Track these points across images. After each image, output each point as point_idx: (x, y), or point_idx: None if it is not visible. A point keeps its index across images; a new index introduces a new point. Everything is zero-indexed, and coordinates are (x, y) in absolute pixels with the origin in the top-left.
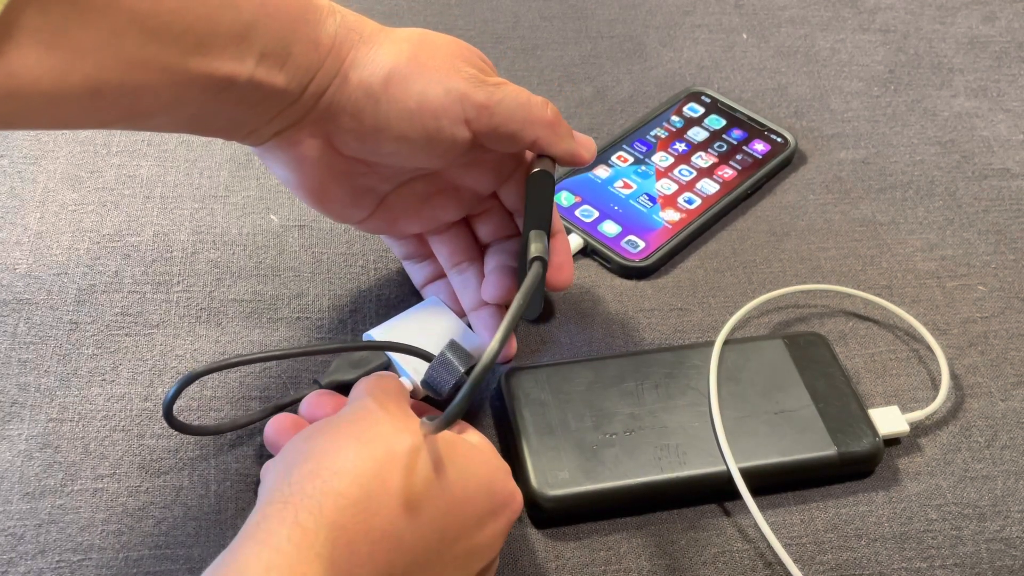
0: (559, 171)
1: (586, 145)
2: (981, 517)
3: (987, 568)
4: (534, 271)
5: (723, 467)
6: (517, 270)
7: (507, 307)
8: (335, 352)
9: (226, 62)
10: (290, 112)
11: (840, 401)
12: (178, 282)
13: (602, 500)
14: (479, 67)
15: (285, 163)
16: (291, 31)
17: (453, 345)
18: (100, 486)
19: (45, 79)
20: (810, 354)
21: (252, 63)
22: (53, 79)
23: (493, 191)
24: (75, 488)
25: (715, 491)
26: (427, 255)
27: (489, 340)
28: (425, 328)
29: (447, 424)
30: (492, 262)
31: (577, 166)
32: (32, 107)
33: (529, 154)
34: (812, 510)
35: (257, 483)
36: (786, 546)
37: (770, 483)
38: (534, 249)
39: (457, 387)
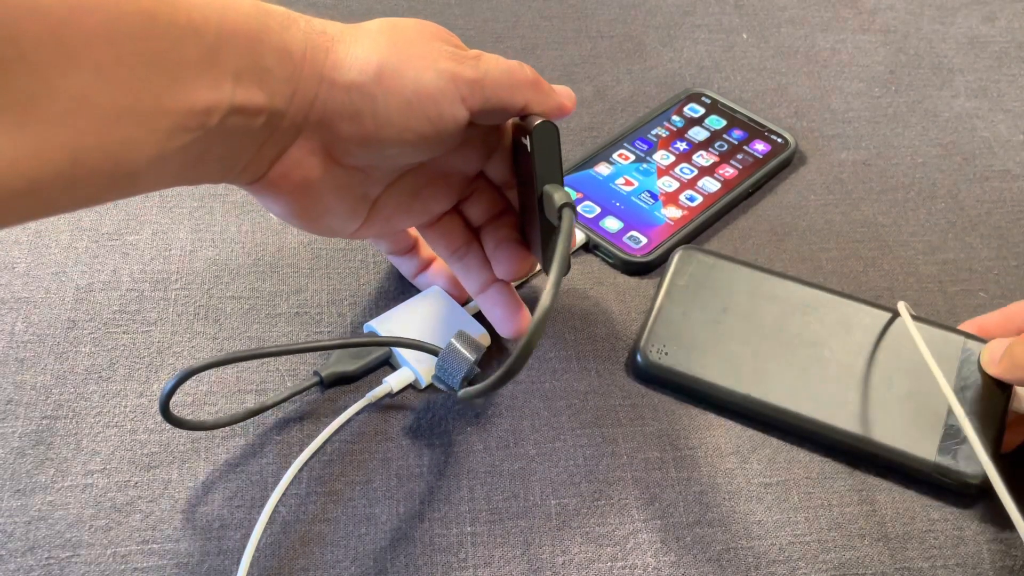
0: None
1: (566, 95)
2: (982, 518)
3: (988, 568)
4: (567, 218)
5: (827, 419)
6: (522, 242)
7: (514, 281)
8: (337, 348)
9: (202, 92)
10: (281, 132)
11: (978, 425)
12: (176, 280)
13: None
14: (452, 43)
15: (287, 193)
16: (258, 44)
17: (461, 335)
18: (90, 481)
19: (22, 161)
20: (980, 372)
21: (229, 87)
22: (30, 159)
23: (480, 170)
24: (65, 484)
25: (807, 437)
26: (412, 247)
27: (503, 318)
28: (426, 317)
29: (491, 389)
30: (492, 240)
31: (563, 117)
32: (10, 197)
33: (506, 124)
34: (816, 509)
35: (246, 474)
36: (789, 544)
37: (855, 453)
38: (558, 198)
39: (467, 378)
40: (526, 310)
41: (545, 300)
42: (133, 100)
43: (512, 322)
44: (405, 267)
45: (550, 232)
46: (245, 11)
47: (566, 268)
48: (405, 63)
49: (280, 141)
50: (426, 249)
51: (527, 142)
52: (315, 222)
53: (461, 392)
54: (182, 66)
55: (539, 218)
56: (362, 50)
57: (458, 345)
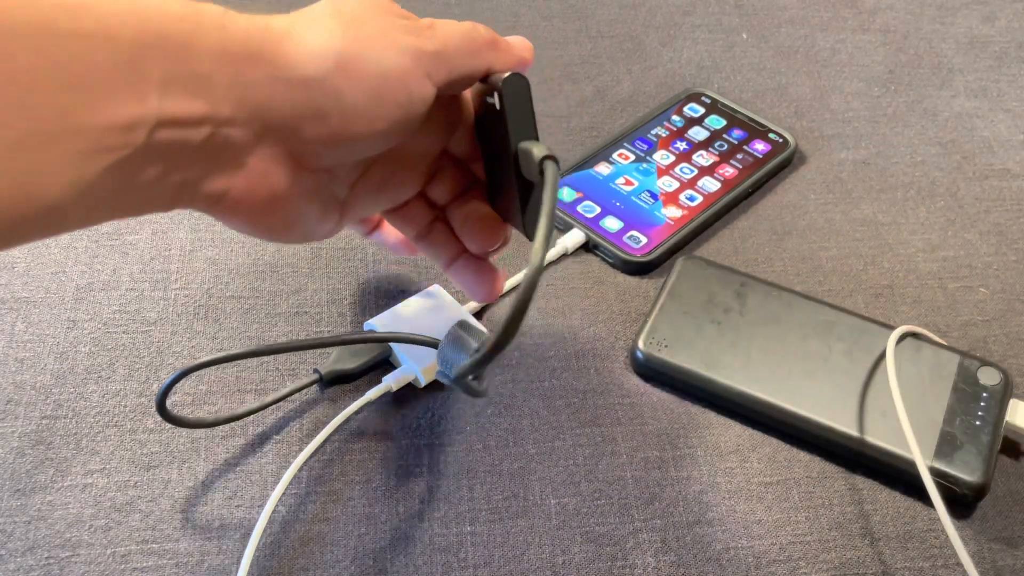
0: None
1: (524, 47)
2: (984, 518)
3: (989, 568)
4: (551, 170)
5: (820, 418)
6: (493, 213)
7: (485, 256)
8: (336, 344)
9: (121, 106)
10: (235, 143)
11: (973, 432)
12: (176, 279)
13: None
14: (402, 14)
15: (255, 209)
16: (188, 48)
17: (462, 324)
18: (89, 481)
19: None
20: (976, 385)
21: (155, 98)
22: None
23: (444, 147)
24: (65, 484)
25: (801, 435)
26: (376, 219)
27: (476, 283)
28: (426, 315)
29: (484, 362)
30: (460, 216)
31: (525, 69)
32: None
33: (465, 93)
34: (816, 508)
35: (246, 474)
36: (789, 544)
37: (852, 456)
38: (538, 152)
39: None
40: (501, 273)
41: (535, 257)
42: (34, 121)
43: (488, 285)
44: (358, 229)
45: (529, 191)
46: (170, 13)
47: (553, 224)
48: (364, 47)
49: (236, 153)
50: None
51: (495, 101)
52: (288, 233)
53: (453, 372)
54: (93, 79)
55: (515, 180)
56: (315, 40)
57: (458, 333)
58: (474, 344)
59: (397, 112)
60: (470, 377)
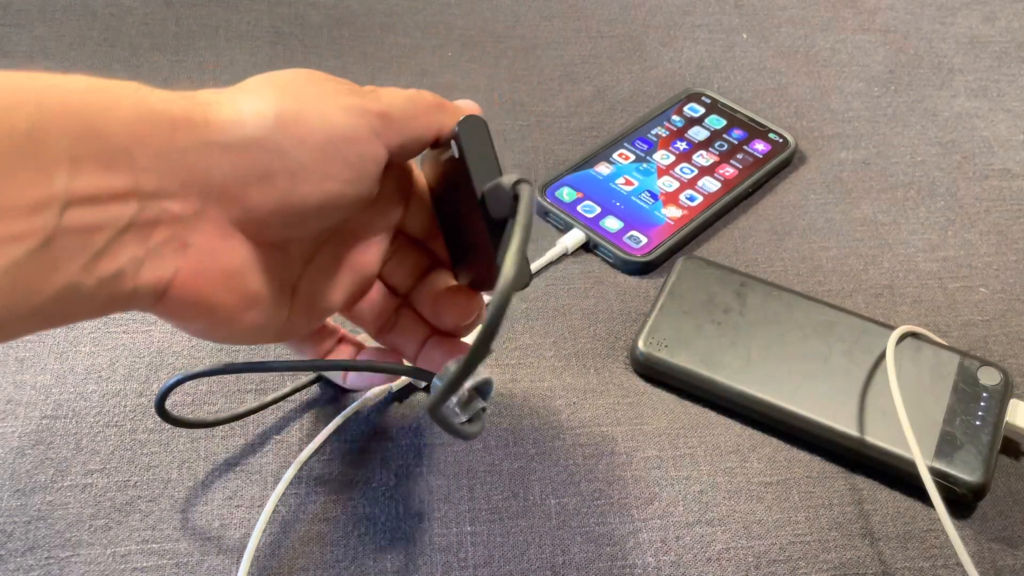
0: (559, 168)
1: (472, 108)
2: (984, 518)
3: (989, 567)
4: (526, 191)
5: (818, 418)
6: (464, 287)
7: (455, 334)
8: (337, 369)
9: (22, 188)
10: (172, 218)
11: (973, 432)
12: None
13: (692, 380)
14: (341, 81)
15: (208, 295)
16: (99, 121)
17: (459, 363)
18: (89, 481)
19: None
20: (976, 385)
21: (64, 175)
22: None
23: (399, 223)
24: (65, 484)
25: (798, 433)
26: (340, 340)
27: (448, 358)
28: None
29: (452, 389)
30: (429, 296)
31: None
32: None
33: (412, 164)
34: (816, 508)
35: (246, 474)
36: (789, 544)
37: (852, 456)
38: (507, 180)
39: (469, 411)
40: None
41: (508, 270)
42: None
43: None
44: (299, 351)
45: (502, 230)
46: (75, 88)
47: (526, 278)
48: (304, 106)
49: (176, 230)
50: (349, 336)
51: (453, 150)
52: (245, 320)
53: (424, 407)
54: None
55: (486, 226)
56: (250, 104)
57: (449, 372)
58: (466, 384)
59: (348, 172)
60: (465, 420)
